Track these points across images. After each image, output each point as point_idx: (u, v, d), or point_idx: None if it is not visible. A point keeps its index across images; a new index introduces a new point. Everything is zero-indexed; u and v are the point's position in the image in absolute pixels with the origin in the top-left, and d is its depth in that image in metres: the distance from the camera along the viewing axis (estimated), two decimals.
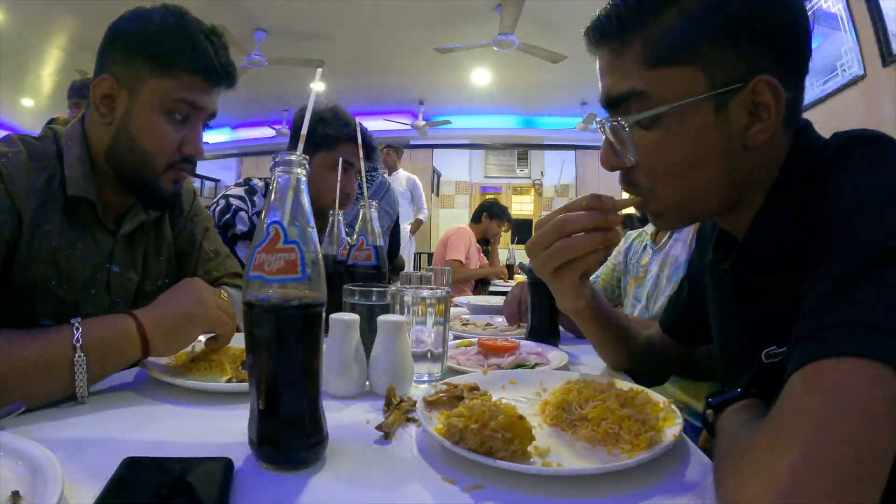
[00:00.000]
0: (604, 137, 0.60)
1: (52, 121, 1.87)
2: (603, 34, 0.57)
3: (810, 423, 0.36)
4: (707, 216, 0.65)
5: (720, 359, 0.77)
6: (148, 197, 0.88)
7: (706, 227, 0.82)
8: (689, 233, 1.27)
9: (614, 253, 1.62)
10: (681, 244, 1.28)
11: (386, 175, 5.12)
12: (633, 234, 1.59)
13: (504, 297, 1.85)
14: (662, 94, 0.54)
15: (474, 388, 0.67)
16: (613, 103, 0.58)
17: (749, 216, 0.59)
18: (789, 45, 0.54)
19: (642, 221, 1.47)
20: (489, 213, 3.87)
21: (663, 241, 1.36)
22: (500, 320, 1.34)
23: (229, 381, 0.74)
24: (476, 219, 3.91)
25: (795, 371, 0.40)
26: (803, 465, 0.35)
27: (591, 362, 1.01)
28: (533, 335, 1.09)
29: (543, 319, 1.09)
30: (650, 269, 1.40)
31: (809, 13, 0.57)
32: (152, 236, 0.97)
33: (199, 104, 0.83)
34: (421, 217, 5.16)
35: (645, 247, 1.46)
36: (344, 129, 1.36)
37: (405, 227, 4.97)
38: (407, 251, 5.05)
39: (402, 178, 5.08)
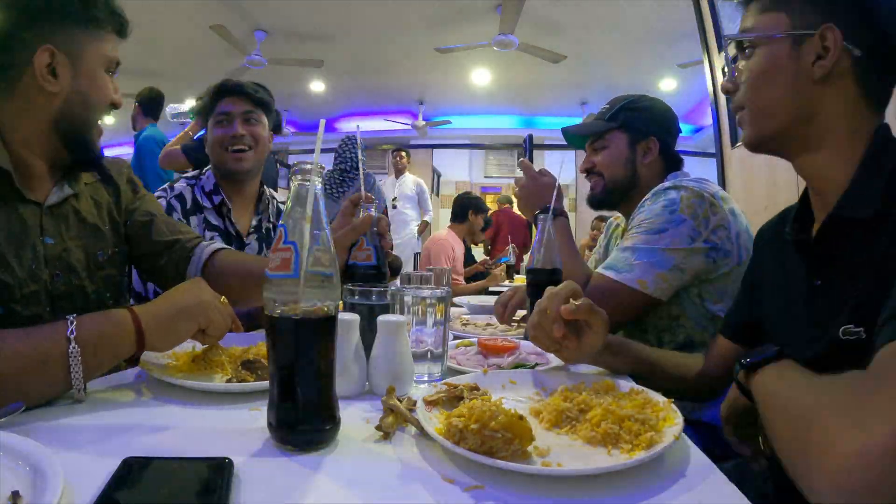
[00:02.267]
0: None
1: None
2: None
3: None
4: (782, 136, 0.73)
5: (787, 346, 0.78)
6: (83, 153, 0.92)
7: (766, 234, 0.87)
8: None
9: (599, 247, 1.61)
10: None
11: (390, 177, 5.16)
12: (612, 223, 1.57)
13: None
14: (761, 29, 0.72)
15: (474, 388, 0.67)
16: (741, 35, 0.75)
17: (829, 167, 0.69)
18: (859, 9, 0.67)
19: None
20: (475, 209, 3.60)
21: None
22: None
23: (229, 381, 0.74)
24: (461, 217, 3.61)
25: (890, 342, 0.44)
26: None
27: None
28: None
29: None
30: None
31: None
32: (87, 205, 0.97)
33: (118, 59, 0.93)
34: (427, 219, 5.29)
35: (618, 242, 1.42)
36: (214, 89, 1.47)
37: (412, 229, 5.14)
38: (413, 250, 5.08)
39: (409, 181, 5.18)
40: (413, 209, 5.21)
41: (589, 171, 1.36)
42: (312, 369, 0.54)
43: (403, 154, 5.29)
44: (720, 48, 2.62)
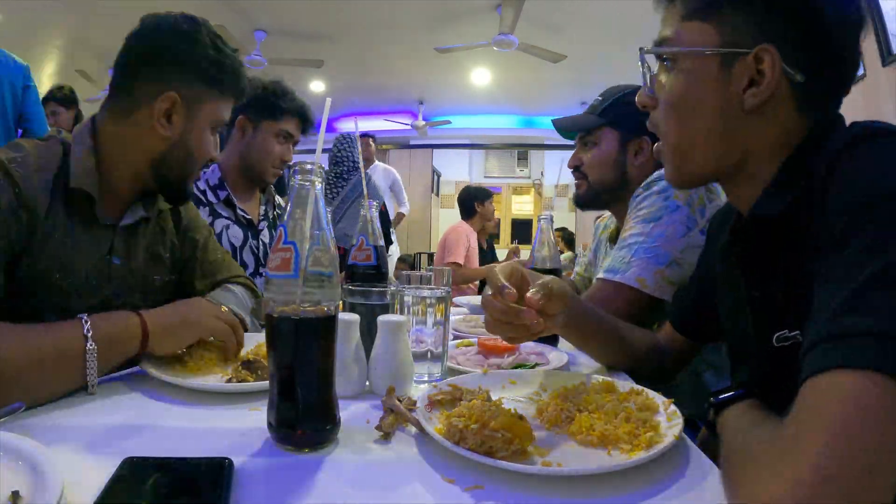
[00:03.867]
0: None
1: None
2: None
3: (827, 432, 0.36)
4: (707, 174, 0.66)
5: (730, 352, 0.78)
6: (175, 195, 0.97)
7: (716, 221, 0.84)
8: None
9: (587, 250, 1.60)
10: None
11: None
12: (600, 224, 1.52)
13: None
14: (683, 41, 0.62)
15: (475, 391, 0.67)
16: (657, 47, 0.65)
17: (756, 193, 0.61)
18: (804, 27, 0.56)
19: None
20: (480, 199, 3.68)
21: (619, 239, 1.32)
22: None
23: (229, 381, 0.74)
24: (469, 211, 3.71)
25: (813, 376, 0.40)
26: (818, 473, 0.35)
27: (591, 362, 1.01)
28: None
29: None
30: None
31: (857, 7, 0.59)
32: (154, 231, 1.00)
33: (225, 121, 0.97)
34: (403, 211, 4.86)
35: (606, 251, 1.40)
36: (291, 103, 1.52)
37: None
38: (391, 249, 4.94)
39: (380, 172, 4.71)
40: (388, 202, 4.67)
41: (576, 168, 1.30)
42: (312, 369, 0.54)
43: (370, 141, 4.58)
44: None
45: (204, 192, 1.49)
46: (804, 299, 0.45)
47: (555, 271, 1.09)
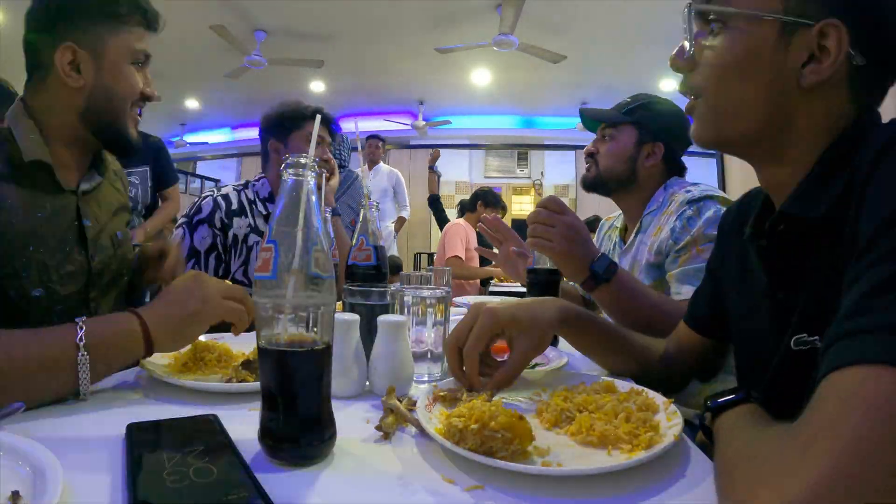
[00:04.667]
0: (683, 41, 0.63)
1: None
2: None
3: (844, 431, 0.34)
4: (741, 143, 0.62)
5: (739, 353, 0.76)
6: (117, 143, 0.96)
7: (729, 218, 0.82)
8: (651, 233, 1.26)
9: None
10: (644, 247, 1.27)
11: (362, 169, 4.83)
12: (605, 224, 1.58)
13: (505, 298, 1.86)
14: (741, 2, 0.56)
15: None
16: (709, 4, 0.59)
17: (792, 180, 0.58)
18: (877, 8, 0.54)
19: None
20: (484, 201, 3.78)
21: (630, 240, 1.36)
22: None
23: (229, 381, 0.74)
24: (471, 208, 3.83)
25: (828, 374, 0.38)
26: (836, 472, 0.33)
27: (591, 363, 1.01)
28: None
29: None
30: None
31: None
32: (109, 190, 1.04)
33: (148, 51, 0.95)
34: (404, 215, 4.68)
35: (615, 245, 1.46)
36: (305, 110, 1.60)
37: (388, 226, 4.56)
38: (390, 252, 4.89)
39: (384, 173, 4.59)
40: (389, 204, 4.56)
41: (590, 155, 1.39)
42: (299, 397, 0.51)
43: (379, 143, 4.53)
44: None
45: (253, 203, 1.56)
46: (830, 304, 0.44)
47: (554, 271, 1.09)
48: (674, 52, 0.63)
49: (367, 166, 4.60)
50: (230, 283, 0.81)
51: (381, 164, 4.67)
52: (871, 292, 0.39)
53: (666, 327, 0.92)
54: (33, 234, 0.84)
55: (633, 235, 1.34)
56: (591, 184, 1.38)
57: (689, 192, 1.21)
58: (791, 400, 0.43)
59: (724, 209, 1.03)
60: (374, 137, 4.55)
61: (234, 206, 1.53)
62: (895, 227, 0.42)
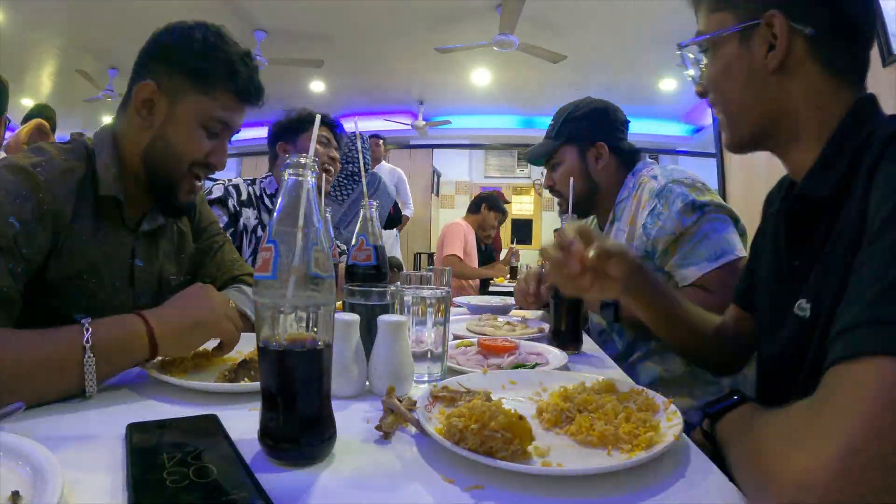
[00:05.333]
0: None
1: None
2: None
3: (861, 413, 0.38)
4: (755, 137, 0.72)
5: (759, 318, 0.81)
6: (167, 203, 0.94)
7: (771, 197, 0.86)
8: (626, 219, 1.30)
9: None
10: (622, 234, 1.31)
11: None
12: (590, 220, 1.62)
13: (504, 297, 1.86)
14: (709, 30, 0.71)
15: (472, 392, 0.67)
16: (694, 39, 0.74)
17: (805, 165, 0.66)
18: None
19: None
20: (488, 205, 3.82)
21: (605, 227, 1.41)
22: (517, 320, 1.34)
23: (229, 381, 0.74)
24: (474, 209, 3.85)
25: (845, 360, 0.42)
26: (851, 450, 0.37)
27: (591, 363, 1.01)
28: (556, 339, 1.09)
29: (566, 322, 1.08)
30: None
31: None
32: (172, 235, 1.04)
33: (231, 122, 0.93)
34: (406, 213, 4.65)
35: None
36: (308, 115, 1.69)
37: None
38: (393, 252, 4.91)
39: (385, 172, 4.57)
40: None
41: (551, 189, 1.43)
42: (300, 397, 0.51)
43: (381, 142, 4.58)
44: None
45: (260, 198, 1.65)
46: (824, 275, 0.53)
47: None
48: (697, 86, 0.78)
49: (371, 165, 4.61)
50: (233, 305, 0.82)
51: (384, 162, 4.70)
52: (890, 284, 0.43)
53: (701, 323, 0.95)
54: (88, 264, 0.85)
55: (607, 225, 1.39)
56: (576, 213, 1.40)
57: (654, 177, 1.25)
58: (792, 367, 0.51)
59: (691, 194, 1.15)
60: (375, 137, 4.60)
61: (244, 196, 1.59)
62: None
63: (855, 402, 0.39)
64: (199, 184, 0.95)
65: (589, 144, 1.36)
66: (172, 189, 0.92)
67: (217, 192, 1.57)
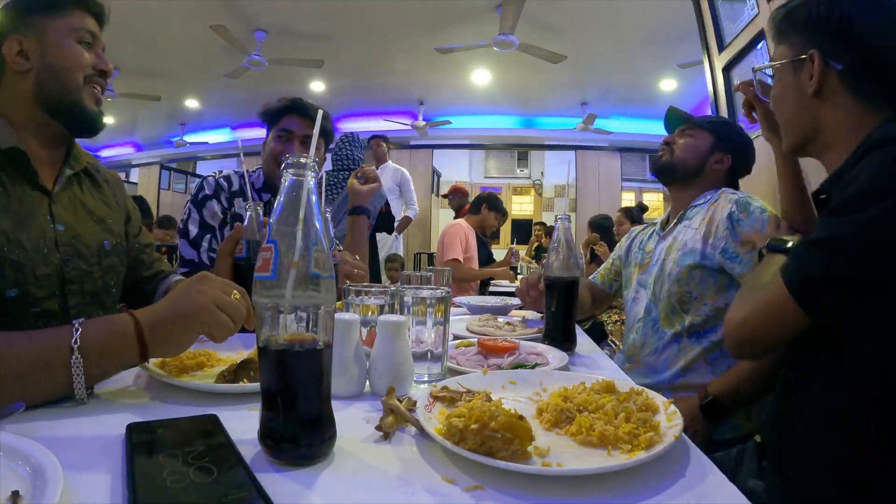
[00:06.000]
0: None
1: None
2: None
3: (758, 300, 0.76)
4: (802, 145, 0.89)
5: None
6: (75, 118, 0.96)
7: None
8: (699, 220, 1.33)
9: (616, 249, 1.69)
10: (692, 231, 1.32)
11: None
12: (636, 229, 1.65)
13: (504, 297, 1.86)
14: (773, 60, 0.91)
15: (472, 392, 0.67)
16: (763, 66, 0.99)
17: (836, 169, 0.81)
18: (833, 34, 0.81)
19: (641, 214, 1.56)
20: (489, 205, 3.82)
21: (669, 227, 1.43)
22: (517, 320, 1.34)
23: (228, 381, 0.74)
24: (475, 210, 3.85)
25: (776, 273, 0.73)
26: (746, 316, 0.76)
27: (591, 363, 1.01)
28: (548, 339, 1.09)
29: (558, 324, 1.08)
30: (655, 254, 1.44)
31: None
32: (93, 199, 1.03)
33: (93, 31, 0.97)
34: (410, 214, 4.63)
35: (651, 234, 1.53)
36: (280, 103, 1.57)
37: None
38: (395, 251, 4.82)
39: (389, 172, 4.55)
40: (395, 202, 4.51)
41: (667, 143, 1.48)
42: (300, 396, 0.51)
43: (383, 142, 4.56)
44: (720, 48, 2.62)
45: (245, 189, 1.60)
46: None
47: (571, 282, 1.08)
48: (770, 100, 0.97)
49: (373, 165, 4.50)
50: (237, 290, 0.76)
51: (389, 162, 4.67)
52: (812, 241, 0.70)
53: None
54: (6, 235, 0.83)
55: (674, 223, 1.43)
56: (661, 167, 1.47)
57: (734, 193, 1.33)
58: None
59: (767, 210, 1.25)
60: (378, 137, 4.61)
61: (235, 187, 1.56)
62: (851, 206, 0.67)
63: (762, 296, 0.74)
64: (99, 92, 0.98)
65: (723, 148, 1.44)
66: (77, 104, 0.94)
67: (209, 187, 1.55)
